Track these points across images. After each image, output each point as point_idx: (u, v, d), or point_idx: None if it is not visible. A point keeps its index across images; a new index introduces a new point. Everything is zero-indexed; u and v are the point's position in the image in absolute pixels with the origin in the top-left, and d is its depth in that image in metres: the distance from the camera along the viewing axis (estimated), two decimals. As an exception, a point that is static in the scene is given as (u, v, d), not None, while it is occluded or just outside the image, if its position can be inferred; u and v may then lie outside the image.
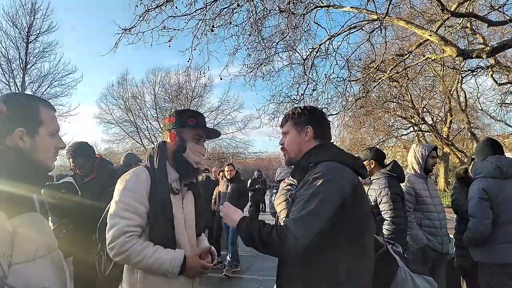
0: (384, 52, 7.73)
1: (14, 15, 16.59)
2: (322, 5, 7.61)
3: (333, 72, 9.02)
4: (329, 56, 8.42)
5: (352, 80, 8.79)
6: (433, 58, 8.91)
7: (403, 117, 19.74)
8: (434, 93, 18.35)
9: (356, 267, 1.29)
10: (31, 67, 17.50)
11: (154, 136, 25.84)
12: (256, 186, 8.71)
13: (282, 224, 1.31)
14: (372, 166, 2.97)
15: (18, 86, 17.05)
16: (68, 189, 2.70)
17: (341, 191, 1.26)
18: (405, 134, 21.30)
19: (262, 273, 5.27)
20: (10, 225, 0.87)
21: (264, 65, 8.40)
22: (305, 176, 1.37)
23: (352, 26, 8.00)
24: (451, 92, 17.45)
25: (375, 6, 6.38)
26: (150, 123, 26.48)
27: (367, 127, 19.17)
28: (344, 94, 8.78)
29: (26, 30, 16.89)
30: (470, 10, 7.94)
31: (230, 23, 7.21)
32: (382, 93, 15.91)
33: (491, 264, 2.40)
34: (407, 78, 11.43)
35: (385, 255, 1.46)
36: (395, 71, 9.07)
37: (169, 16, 6.33)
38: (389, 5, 6.42)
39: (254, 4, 7.05)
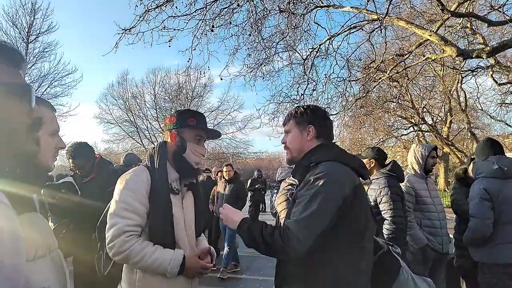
0: (384, 52, 7.72)
1: (14, 15, 16.60)
2: (322, 5, 7.61)
3: (333, 72, 9.05)
4: (329, 56, 8.44)
5: (352, 80, 8.79)
6: (433, 58, 8.92)
7: (403, 117, 19.74)
8: (434, 93, 18.35)
9: (356, 267, 1.29)
10: (31, 67, 17.48)
11: (154, 136, 25.85)
12: (256, 186, 8.71)
13: (283, 224, 1.31)
14: (372, 165, 2.98)
15: (18, 86, 16.98)
16: (68, 189, 2.70)
17: (342, 192, 1.26)
18: (405, 134, 21.30)
19: (262, 273, 5.27)
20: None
21: (264, 65, 8.41)
22: (306, 176, 1.37)
23: (352, 26, 8.00)
24: (451, 92, 17.45)
25: (375, 6, 6.38)
26: (150, 123, 26.51)
27: (367, 127, 19.17)
28: (344, 94, 8.78)
29: (26, 30, 16.88)
30: (470, 10, 7.94)
31: (230, 23, 7.22)
32: (382, 93, 15.90)
33: (492, 264, 2.40)
34: (407, 78, 11.43)
35: (388, 255, 1.46)
36: (395, 71, 9.07)
37: (169, 16, 6.34)
38: (389, 5, 6.41)
39: (254, 4, 7.06)
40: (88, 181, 2.71)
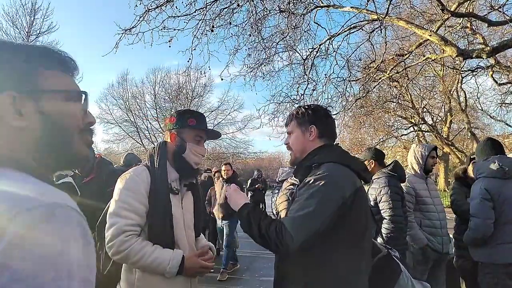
0: (384, 52, 7.71)
1: (14, 15, 16.64)
2: (322, 5, 7.61)
3: (333, 72, 9.05)
4: (329, 56, 8.43)
5: (352, 80, 8.79)
6: (433, 58, 8.92)
7: (403, 117, 19.74)
8: (434, 93, 18.36)
9: (356, 267, 1.29)
10: (31, 67, 17.47)
11: (154, 136, 25.83)
12: (257, 186, 8.71)
13: (279, 220, 1.31)
14: (373, 165, 2.99)
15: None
16: (67, 189, 2.68)
17: (342, 193, 1.26)
18: (405, 134, 21.30)
19: (262, 273, 5.27)
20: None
21: (264, 65, 8.40)
22: (308, 176, 1.37)
23: (352, 26, 7.99)
24: (451, 92, 17.45)
25: (375, 6, 6.38)
26: (150, 123, 26.47)
27: (367, 127, 19.16)
28: (344, 94, 8.77)
29: (26, 30, 16.91)
30: (470, 10, 7.94)
31: (230, 23, 7.21)
32: (382, 93, 15.90)
33: (492, 264, 2.40)
34: (407, 78, 11.43)
35: (387, 259, 1.46)
36: (395, 71, 9.07)
37: (169, 16, 6.32)
38: (389, 5, 6.41)
39: (254, 4, 7.05)
40: (88, 181, 2.71)
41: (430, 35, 6.66)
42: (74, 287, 0.48)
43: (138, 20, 6.18)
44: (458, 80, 16.27)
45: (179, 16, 6.43)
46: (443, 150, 18.27)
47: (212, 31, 6.97)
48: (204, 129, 1.63)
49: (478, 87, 17.36)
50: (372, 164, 2.99)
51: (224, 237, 5.27)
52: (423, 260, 2.87)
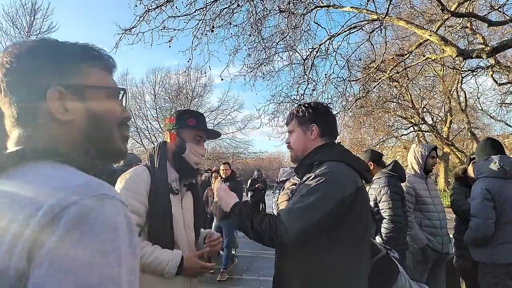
0: (384, 52, 7.70)
1: (14, 15, 16.64)
2: (322, 5, 7.60)
3: (333, 72, 9.05)
4: (329, 56, 8.43)
5: (352, 80, 8.78)
6: (433, 58, 8.91)
7: (403, 117, 19.74)
8: (434, 93, 18.36)
9: (356, 267, 1.29)
10: (31, 67, 17.46)
11: (154, 136, 25.82)
12: (256, 186, 8.70)
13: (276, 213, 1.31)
14: (372, 167, 3.00)
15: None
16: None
17: (343, 191, 1.26)
18: (405, 134, 21.31)
19: (262, 273, 5.26)
20: None
21: (264, 65, 8.40)
22: (309, 174, 1.36)
23: (352, 26, 7.99)
24: (451, 92, 17.45)
25: (375, 6, 6.37)
26: (150, 123, 26.46)
27: (367, 127, 19.16)
28: (344, 94, 8.77)
29: (26, 30, 16.91)
30: (470, 10, 7.94)
31: (230, 23, 7.21)
32: (382, 93, 15.90)
33: (492, 264, 2.39)
34: (407, 78, 11.43)
35: (386, 260, 1.46)
36: (395, 71, 9.07)
37: (169, 16, 6.32)
38: (389, 5, 6.41)
39: (254, 4, 7.05)
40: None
41: (430, 35, 6.66)
42: (122, 274, 0.51)
43: (138, 20, 6.19)
44: (458, 80, 16.26)
45: (179, 16, 6.43)
46: (443, 150, 18.27)
47: (212, 31, 6.97)
48: (204, 129, 1.63)
49: (478, 87, 17.47)
50: (371, 165, 3.01)
51: (224, 237, 5.26)
52: (423, 260, 2.87)
